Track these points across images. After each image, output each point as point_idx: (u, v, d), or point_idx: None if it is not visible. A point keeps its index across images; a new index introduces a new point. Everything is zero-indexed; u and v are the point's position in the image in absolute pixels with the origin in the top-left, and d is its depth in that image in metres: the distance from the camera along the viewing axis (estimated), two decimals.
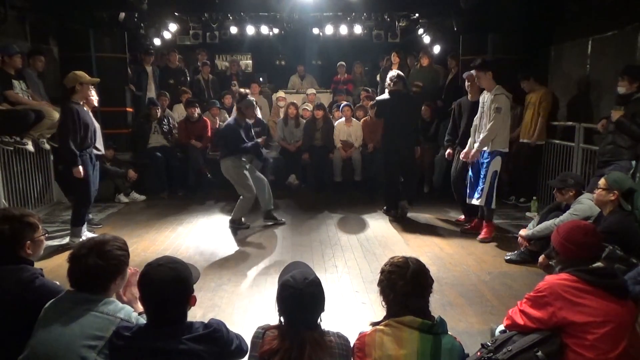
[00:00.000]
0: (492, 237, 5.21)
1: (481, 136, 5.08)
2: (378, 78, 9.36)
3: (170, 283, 1.84)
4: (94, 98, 5.19)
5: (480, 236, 5.26)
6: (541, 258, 3.98)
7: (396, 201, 6.15)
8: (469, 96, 5.59)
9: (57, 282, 2.26)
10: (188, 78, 9.03)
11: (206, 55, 9.69)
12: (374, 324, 2.01)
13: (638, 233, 3.32)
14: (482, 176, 5.13)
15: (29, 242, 2.23)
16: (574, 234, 2.29)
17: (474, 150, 5.17)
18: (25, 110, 5.68)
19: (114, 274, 2.00)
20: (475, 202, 5.22)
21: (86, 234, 5.06)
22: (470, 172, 5.35)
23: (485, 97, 5.17)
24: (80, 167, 4.79)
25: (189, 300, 1.90)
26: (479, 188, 5.15)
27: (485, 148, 5.09)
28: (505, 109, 5.00)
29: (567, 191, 4.24)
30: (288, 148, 7.82)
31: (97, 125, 5.22)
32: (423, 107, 7.36)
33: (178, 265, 1.91)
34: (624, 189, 3.44)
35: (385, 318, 2.00)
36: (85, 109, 4.94)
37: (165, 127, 7.58)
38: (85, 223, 5.15)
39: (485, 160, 5.12)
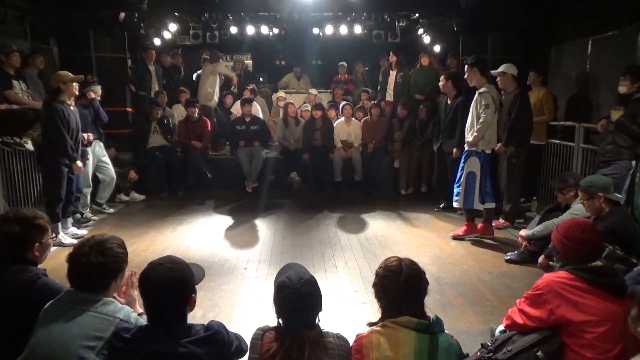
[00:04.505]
0: (464, 236, 5.22)
1: (471, 135, 5.06)
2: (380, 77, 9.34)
3: (167, 283, 1.82)
4: (98, 92, 5.92)
5: (455, 232, 5.31)
6: (541, 258, 3.98)
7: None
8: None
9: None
10: (182, 75, 9.00)
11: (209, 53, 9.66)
12: (371, 325, 2.00)
13: (638, 233, 3.32)
14: (457, 177, 5.17)
15: (37, 244, 2.22)
16: (572, 231, 2.29)
17: (469, 144, 5.10)
18: (24, 109, 5.68)
19: (115, 272, 2.00)
20: (454, 204, 5.28)
21: (71, 230, 5.37)
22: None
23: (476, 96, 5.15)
24: (79, 162, 5.15)
25: (187, 301, 1.88)
26: (457, 190, 5.17)
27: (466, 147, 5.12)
28: (492, 107, 4.98)
29: (568, 191, 4.24)
30: (289, 146, 7.81)
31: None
32: (421, 107, 7.38)
33: (177, 265, 1.89)
34: (603, 187, 3.42)
35: (380, 320, 2.00)
36: (72, 107, 5.14)
37: (164, 127, 7.58)
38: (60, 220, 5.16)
39: (462, 160, 5.16)
